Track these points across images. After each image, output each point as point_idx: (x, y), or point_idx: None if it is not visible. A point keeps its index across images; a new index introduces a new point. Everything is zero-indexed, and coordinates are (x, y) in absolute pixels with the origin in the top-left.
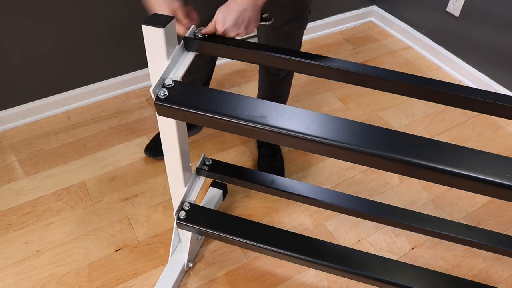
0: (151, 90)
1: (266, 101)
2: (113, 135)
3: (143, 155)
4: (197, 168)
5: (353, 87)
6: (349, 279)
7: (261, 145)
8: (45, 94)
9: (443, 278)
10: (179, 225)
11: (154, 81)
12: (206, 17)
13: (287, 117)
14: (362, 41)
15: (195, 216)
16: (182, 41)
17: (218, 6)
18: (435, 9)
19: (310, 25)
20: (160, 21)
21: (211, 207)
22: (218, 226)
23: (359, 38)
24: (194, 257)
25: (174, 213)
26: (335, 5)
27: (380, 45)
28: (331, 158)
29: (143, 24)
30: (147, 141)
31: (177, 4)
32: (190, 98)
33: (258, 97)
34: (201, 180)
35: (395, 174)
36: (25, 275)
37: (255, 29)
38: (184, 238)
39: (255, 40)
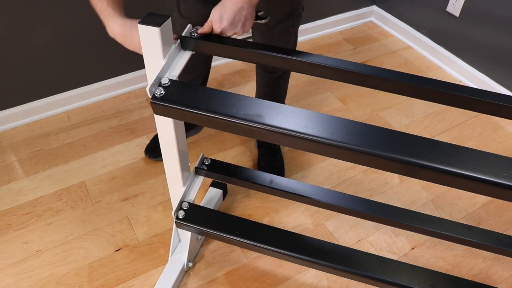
0: (147, 89)
1: (263, 100)
2: (113, 135)
3: (143, 155)
4: (195, 168)
5: (353, 87)
6: (349, 279)
7: (261, 145)
8: (45, 94)
9: (443, 278)
10: (178, 225)
11: (150, 80)
12: (200, 16)
13: (283, 116)
14: (362, 41)
15: (194, 216)
16: (179, 40)
17: (212, 5)
18: (435, 9)
19: (310, 25)
20: (156, 20)
21: (211, 207)
22: (217, 226)
23: (359, 38)
24: (194, 257)
25: (172, 213)
26: (335, 5)
27: (380, 45)
28: (331, 158)
29: (139, 24)
30: (147, 141)
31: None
32: (187, 97)
33: (256, 96)
34: (200, 179)
35: (395, 174)
36: (25, 275)
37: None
38: (184, 238)
39: (250, 39)
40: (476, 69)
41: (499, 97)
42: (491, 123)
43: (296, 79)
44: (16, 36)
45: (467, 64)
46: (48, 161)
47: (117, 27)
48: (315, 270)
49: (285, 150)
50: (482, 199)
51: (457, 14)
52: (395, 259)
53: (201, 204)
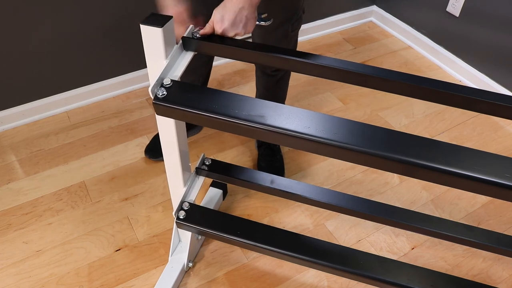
0: (149, 89)
1: (265, 101)
2: (113, 135)
3: (143, 155)
4: (196, 168)
5: (353, 87)
6: (349, 279)
7: (261, 145)
8: (45, 94)
9: (443, 278)
10: (178, 225)
11: (152, 80)
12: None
13: (286, 116)
14: (362, 41)
15: (194, 216)
16: (181, 41)
17: (214, 5)
18: (435, 9)
19: (310, 25)
20: (158, 20)
21: (211, 207)
22: (218, 226)
23: (359, 38)
24: (194, 257)
25: (173, 213)
26: (335, 5)
27: (380, 45)
28: (331, 158)
29: (141, 24)
30: (147, 141)
31: (184, 7)
32: (189, 98)
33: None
34: (201, 180)
35: (395, 174)
36: (25, 275)
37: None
38: (184, 238)
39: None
40: (476, 69)
41: (499, 97)
42: (491, 123)
43: (296, 79)
44: (16, 36)
45: (467, 64)
46: (48, 161)
47: None
48: (315, 270)
49: (285, 150)
50: (482, 199)
51: (457, 14)
52: (395, 259)
53: (201, 204)
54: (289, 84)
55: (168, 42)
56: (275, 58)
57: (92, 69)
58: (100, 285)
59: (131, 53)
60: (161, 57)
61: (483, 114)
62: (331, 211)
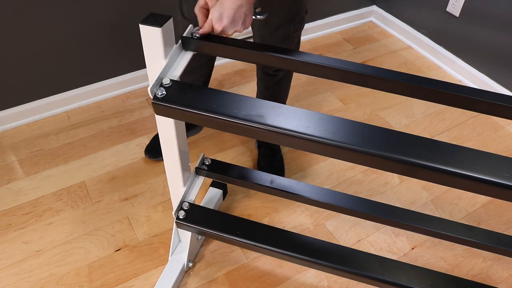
0: (148, 89)
1: (264, 101)
2: (113, 135)
3: (143, 155)
4: (196, 168)
5: (353, 87)
6: (349, 279)
7: (261, 145)
8: (45, 94)
9: (443, 278)
10: (178, 225)
11: (151, 80)
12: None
13: (285, 116)
14: (362, 41)
15: (194, 216)
16: (180, 41)
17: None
18: (435, 9)
19: (310, 25)
20: (157, 20)
21: (211, 207)
22: (218, 226)
23: (359, 38)
24: (194, 257)
25: (173, 213)
26: (335, 5)
27: (380, 45)
28: (331, 158)
29: (140, 24)
30: (147, 141)
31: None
32: (188, 98)
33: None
34: (201, 180)
35: (395, 174)
36: (25, 275)
37: (252, 32)
38: (184, 238)
39: (250, 39)
40: (476, 69)
41: (499, 97)
42: (491, 123)
43: (296, 79)
44: (16, 36)
45: (467, 64)
46: (48, 161)
47: None
48: (315, 270)
49: (285, 150)
50: (482, 199)
51: (457, 14)
52: (395, 259)
53: (201, 204)
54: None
55: (167, 42)
56: (275, 57)
57: (92, 69)
58: (100, 285)
59: (131, 53)
60: (160, 57)
61: (483, 114)
62: (331, 211)
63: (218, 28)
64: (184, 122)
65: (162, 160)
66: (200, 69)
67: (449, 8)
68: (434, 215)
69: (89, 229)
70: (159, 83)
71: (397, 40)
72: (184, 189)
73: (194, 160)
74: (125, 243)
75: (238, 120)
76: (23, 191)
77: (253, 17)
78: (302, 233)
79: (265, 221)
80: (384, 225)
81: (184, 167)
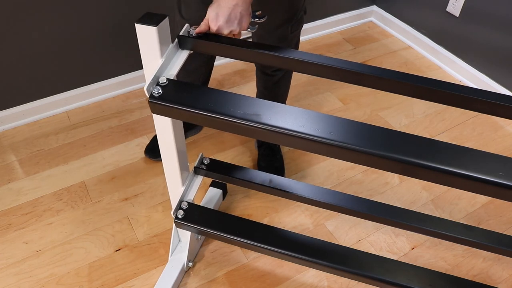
0: (145, 88)
1: (261, 100)
2: (113, 135)
3: (143, 155)
4: (195, 168)
5: (353, 87)
6: (349, 279)
7: (261, 145)
8: (45, 94)
9: (442, 278)
10: (177, 225)
11: (148, 79)
12: (201, 18)
13: (281, 115)
14: (362, 41)
15: (193, 216)
16: (176, 40)
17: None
18: (435, 9)
19: (310, 25)
20: (153, 19)
21: (211, 207)
22: (217, 226)
23: (359, 38)
24: (194, 257)
25: (172, 213)
26: (335, 5)
27: (380, 45)
28: (331, 158)
29: (136, 23)
30: (147, 141)
31: None
32: (184, 96)
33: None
34: (199, 179)
35: (395, 174)
36: (25, 275)
37: (251, 33)
38: (183, 238)
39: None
40: (476, 69)
41: (499, 97)
42: (491, 123)
43: (296, 79)
44: (16, 36)
45: (467, 64)
46: (48, 161)
47: None
48: (315, 270)
49: (285, 150)
50: (482, 199)
51: (457, 14)
52: (395, 259)
53: (201, 204)
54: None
55: (163, 41)
56: (271, 56)
57: (92, 69)
58: (100, 285)
59: (131, 53)
60: (156, 55)
61: (483, 114)
62: (331, 211)
63: (213, 27)
64: (182, 121)
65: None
66: (199, 69)
67: (449, 8)
68: (434, 215)
69: (89, 229)
70: (156, 82)
71: (397, 40)
72: (182, 188)
73: (194, 160)
74: (125, 243)
75: (234, 119)
76: (23, 191)
77: (252, 19)
78: (302, 233)
79: (265, 221)
80: (384, 225)
81: (183, 167)
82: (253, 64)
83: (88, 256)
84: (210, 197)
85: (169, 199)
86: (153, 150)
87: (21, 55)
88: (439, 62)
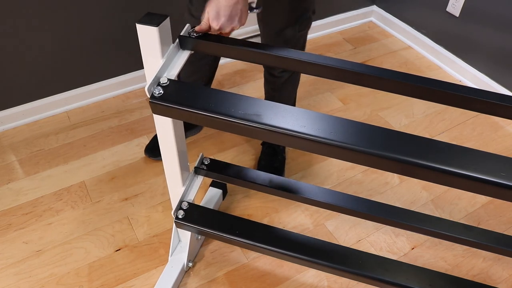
0: (146, 88)
1: (261, 100)
2: (113, 135)
3: (143, 155)
4: (195, 168)
5: (353, 87)
6: (349, 279)
7: (264, 142)
8: (45, 94)
9: (442, 278)
10: (177, 225)
11: (149, 79)
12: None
13: (282, 115)
14: (362, 41)
15: (193, 216)
16: (177, 40)
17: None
18: (435, 9)
19: None
20: (154, 20)
21: (211, 207)
22: (217, 226)
23: (359, 38)
24: (194, 257)
25: (172, 213)
26: (335, 5)
27: (380, 45)
28: (331, 158)
29: (137, 23)
30: (147, 141)
31: None
32: (185, 97)
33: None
34: (200, 179)
35: (395, 174)
36: (25, 275)
37: (259, 32)
38: (183, 238)
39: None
40: (476, 69)
41: (499, 97)
42: (491, 123)
43: None
44: (16, 36)
45: (467, 64)
46: (48, 161)
47: None
48: (315, 270)
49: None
50: (482, 199)
51: (457, 14)
52: (395, 259)
53: (201, 204)
54: None
55: (164, 41)
56: (272, 56)
57: (92, 69)
58: (100, 285)
59: (131, 53)
60: (157, 56)
61: (483, 114)
62: (331, 211)
63: (215, 26)
64: (182, 122)
65: (162, 159)
66: (203, 69)
67: (449, 8)
68: (434, 215)
69: (89, 229)
70: (157, 82)
71: (397, 40)
72: (183, 188)
73: (194, 160)
74: (125, 243)
75: (235, 119)
76: (23, 191)
77: (249, 11)
78: (302, 233)
79: (265, 221)
80: (384, 225)
81: (183, 167)
82: (254, 64)
83: (88, 256)
84: (210, 197)
85: (169, 199)
86: (153, 149)
87: (21, 55)
88: (439, 62)
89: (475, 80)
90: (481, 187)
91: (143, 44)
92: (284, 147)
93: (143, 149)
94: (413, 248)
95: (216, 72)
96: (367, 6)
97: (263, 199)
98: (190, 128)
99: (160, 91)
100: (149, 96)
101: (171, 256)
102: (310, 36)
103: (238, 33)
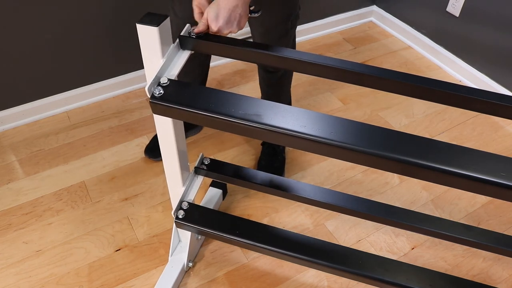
0: (146, 88)
1: (262, 100)
2: (113, 135)
3: (143, 155)
4: (195, 168)
5: (353, 87)
6: (349, 279)
7: (264, 142)
8: (45, 94)
9: (442, 278)
10: (177, 225)
11: (149, 79)
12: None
13: (282, 115)
14: (362, 41)
15: (193, 216)
16: (178, 40)
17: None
18: (435, 9)
19: (310, 25)
20: (154, 20)
21: (211, 207)
22: (217, 226)
23: (359, 38)
24: (194, 257)
25: (172, 213)
26: (335, 5)
27: (380, 45)
28: (331, 158)
29: (137, 23)
30: (147, 141)
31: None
32: (185, 97)
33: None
34: (200, 179)
35: (395, 174)
36: (25, 275)
37: (250, 31)
38: (183, 238)
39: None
40: (476, 69)
41: (499, 97)
42: (491, 123)
43: (296, 79)
44: (16, 36)
45: (467, 64)
46: (48, 161)
47: None
48: (315, 270)
49: (285, 149)
50: (482, 199)
51: (457, 14)
52: (395, 259)
53: (201, 204)
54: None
55: (164, 41)
56: (273, 57)
57: (92, 69)
58: (100, 285)
59: (131, 53)
60: (157, 56)
61: (483, 114)
62: (331, 211)
63: (213, 28)
64: (182, 122)
65: (162, 160)
66: (195, 69)
67: (449, 8)
68: (434, 215)
69: (89, 229)
70: (157, 82)
71: (397, 40)
72: (183, 188)
73: (194, 160)
74: (125, 243)
75: (235, 119)
76: (23, 191)
77: (249, 15)
78: (302, 233)
79: (265, 221)
80: (384, 225)
81: (183, 167)
82: (253, 64)
83: (88, 256)
84: (210, 197)
85: (169, 199)
86: (153, 150)
87: (21, 55)
88: (439, 62)
89: (475, 80)
90: (481, 187)
91: (144, 44)
92: (284, 147)
93: (143, 149)
94: (413, 248)
95: (216, 72)
96: (367, 6)
97: (263, 199)
98: (190, 128)
99: (161, 91)
100: (149, 96)
101: (171, 256)
102: (310, 36)
103: (238, 33)
